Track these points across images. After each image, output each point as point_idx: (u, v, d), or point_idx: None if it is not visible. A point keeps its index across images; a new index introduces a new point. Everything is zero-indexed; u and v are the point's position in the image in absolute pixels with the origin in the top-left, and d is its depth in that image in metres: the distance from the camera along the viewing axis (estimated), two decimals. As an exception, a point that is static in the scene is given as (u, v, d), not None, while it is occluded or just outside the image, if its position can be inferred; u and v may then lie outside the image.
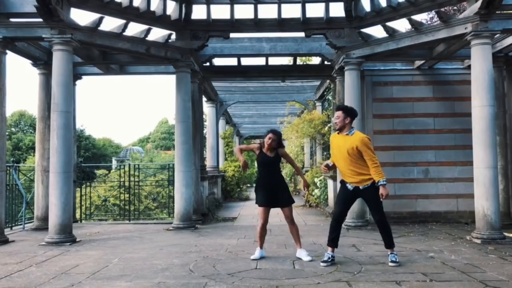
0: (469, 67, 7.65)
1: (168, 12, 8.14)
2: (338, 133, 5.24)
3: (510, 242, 6.29)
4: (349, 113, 5.20)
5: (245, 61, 10.34)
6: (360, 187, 5.07)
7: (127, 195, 10.85)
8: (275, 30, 8.61)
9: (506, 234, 6.66)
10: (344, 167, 5.12)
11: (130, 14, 7.63)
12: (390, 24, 7.77)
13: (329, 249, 5.21)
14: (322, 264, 5.02)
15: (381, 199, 5.00)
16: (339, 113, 5.19)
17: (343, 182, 5.25)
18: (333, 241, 5.21)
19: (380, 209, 5.09)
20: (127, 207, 10.79)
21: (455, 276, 4.50)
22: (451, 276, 4.48)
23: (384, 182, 4.92)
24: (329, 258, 5.12)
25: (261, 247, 5.57)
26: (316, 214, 10.90)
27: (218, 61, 10.79)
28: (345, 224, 8.07)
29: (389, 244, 5.19)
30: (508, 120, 8.65)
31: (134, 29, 7.95)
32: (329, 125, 11.03)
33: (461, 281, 4.30)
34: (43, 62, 8.61)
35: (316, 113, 13.52)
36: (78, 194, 10.35)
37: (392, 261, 5.06)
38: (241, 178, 16.89)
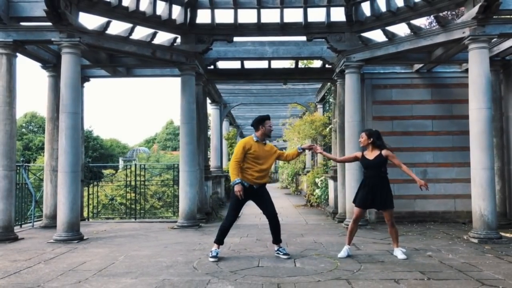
0: (466, 70, 7.75)
1: (174, 16, 8.29)
2: (258, 142, 5.62)
3: (506, 242, 6.39)
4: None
5: (248, 64, 10.48)
6: (255, 187, 5.54)
7: (133, 194, 10.97)
8: (278, 34, 8.76)
9: (502, 234, 6.78)
10: (267, 170, 5.62)
11: (137, 18, 7.78)
12: (389, 28, 7.91)
13: (216, 246, 5.56)
14: (211, 259, 5.39)
15: None
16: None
17: (250, 186, 5.50)
18: (222, 241, 5.62)
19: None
20: (133, 206, 10.91)
21: (453, 274, 4.58)
22: (448, 275, 4.56)
23: None
24: (217, 254, 5.48)
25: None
26: (317, 214, 11.00)
27: (222, 64, 10.92)
28: (345, 224, 8.20)
29: (279, 239, 5.68)
30: (504, 122, 8.76)
31: (141, 32, 8.13)
32: (330, 126, 11.18)
33: (458, 279, 4.38)
34: (52, 64, 8.76)
35: (317, 115, 13.66)
36: (85, 193, 10.50)
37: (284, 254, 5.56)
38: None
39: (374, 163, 5.50)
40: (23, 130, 38.01)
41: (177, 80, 8.91)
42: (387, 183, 5.55)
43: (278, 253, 5.59)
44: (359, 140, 5.70)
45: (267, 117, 5.73)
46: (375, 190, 5.46)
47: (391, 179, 8.94)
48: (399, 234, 7.27)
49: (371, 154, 5.56)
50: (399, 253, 5.52)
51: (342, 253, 5.51)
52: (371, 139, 5.52)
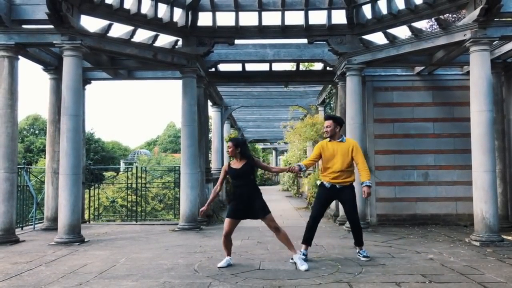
0: (468, 73, 7.77)
1: (175, 19, 8.33)
2: (329, 140, 5.64)
3: (508, 245, 6.37)
4: (339, 121, 5.67)
5: (250, 67, 10.50)
6: (338, 186, 5.54)
7: (134, 197, 10.99)
8: (279, 37, 8.79)
9: (504, 236, 6.75)
10: (339, 170, 5.52)
11: (138, 21, 7.83)
12: (390, 31, 7.93)
13: (303, 247, 5.55)
14: (291, 261, 5.30)
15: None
16: (329, 122, 5.60)
17: (332, 185, 5.57)
18: (307, 240, 5.58)
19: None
20: (134, 208, 10.94)
21: (454, 277, 4.57)
22: (450, 278, 4.55)
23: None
24: (303, 254, 5.42)
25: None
26: (318, 217, 10.98)
27: (223, 67, 10.98)
28: (346, 226, 8.19)
29: (359, 241, 5.65)
30: (506, 124, 8.75)
31: (142, 35, 8.15)
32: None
33: (459, 282, 4.37)
34: (53, 67, 8.80)
35: (318, 117, 13.65)
36: (87, 196, 10.53)
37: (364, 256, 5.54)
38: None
39: (242, 172, 5.20)
40: (24, 132, 38.23)
41: (178, 83, 8.95)
42: (257, 190, 5.28)
43: (358, 255, 5.61)
44: (227, 150, 5.37)
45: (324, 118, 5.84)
46: (246, 200, 5.15)
47: (392, 181, 9.09)
48: (400, 237, 7.36)
49: (238, 164, 5.26)
50: (299, 261, 5.12)
51: (222, 263, 5.23)
52: (239, 149, 5.22)
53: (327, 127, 5.61)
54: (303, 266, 5.00)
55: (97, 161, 31.32)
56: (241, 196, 5.17)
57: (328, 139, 5.67)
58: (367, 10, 8.13)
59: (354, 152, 5.50)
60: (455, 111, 9.15)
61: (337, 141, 5.58)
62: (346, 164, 5.49)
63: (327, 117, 5.81)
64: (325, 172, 5.61)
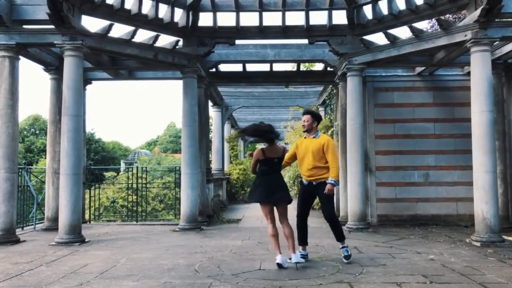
0: (468, 73, 7.76)
1: (176, 19, 8.33)
2: (305, 137, 5.67)
3: (509, 245, 6.37)
4: (317, 117, 5.66)
5: (250, 67, 10.50)
6: (314, 183, 5.47)
7: (135, 197, 10.99)
8: (280, 37, 8.79)
9: (505, 237, 6.74)
10: (310, 168, 5.48)
11: (139, 21, 7.83)
12: (391, 31, 7.94)
13: (301, 248, 5.61)
14: (289, 260, 5.31)
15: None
16: (307, 117, 5.59)
17: (309, 183, 5.59)
18: (302, 240, 5.64)
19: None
20: (134, 208, 10.94)
21: (455, 278, 4.57)
22: (450, 278, 4.55)
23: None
24: (301, 255, 5.48)
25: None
26: (318, 217, 10.87)
27: (223, 67, 10.96)
28: (347, 227, 8.20)
29: (339, 237, 5.52)
30: (507, 125, 8.75)
31: (143, 35, 8.14)
32: (332, 129, 11.18)
33: (460, 283, 4.37)
34: (54, 67, 8.79)
35: (319, 117, 13.63)
36: (87, 196, 10.53)
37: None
38: (246, 180, 17.03)
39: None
40: (25, 132, 38.31)
41: (179, 83, 8.95)
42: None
43: (342, 252, 5.48)
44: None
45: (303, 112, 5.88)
46: None
47: (392, 181, 9.10)
48: (401, 237, 7.36)
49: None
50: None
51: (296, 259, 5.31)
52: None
53: (304, 121, 5.60)
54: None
55: (97, 161, 31.38)
56: None
57: (304, 136, 5.70)
58: (367, 11, 8.14)
59: (325, 148, 5.37)
60: (455, 111, 9.15)
61: (311, 137, 5.53)
62: (318, 161, 5.38)
63: (305, 112, 5.80)
64: (301, 170, 5.65)
